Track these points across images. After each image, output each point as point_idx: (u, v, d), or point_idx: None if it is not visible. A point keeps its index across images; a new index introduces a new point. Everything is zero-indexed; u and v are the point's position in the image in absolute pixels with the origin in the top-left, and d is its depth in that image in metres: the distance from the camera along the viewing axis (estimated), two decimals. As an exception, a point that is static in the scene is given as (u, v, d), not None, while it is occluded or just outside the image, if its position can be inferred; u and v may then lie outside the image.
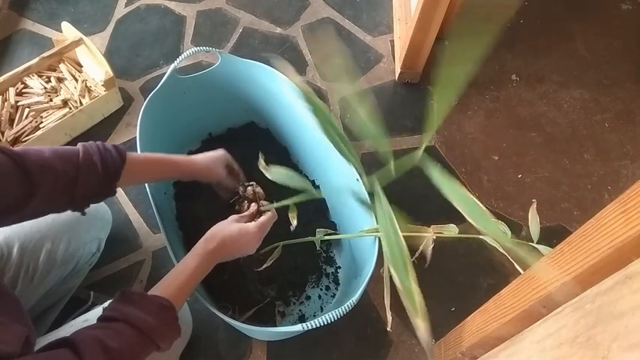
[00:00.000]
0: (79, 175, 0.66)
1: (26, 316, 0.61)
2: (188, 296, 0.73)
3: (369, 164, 1.35)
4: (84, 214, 0.72)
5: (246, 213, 0.84)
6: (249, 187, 0.91)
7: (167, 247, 0.86)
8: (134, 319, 0.62)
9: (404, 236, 0.84)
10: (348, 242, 1.12)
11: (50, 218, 0.84)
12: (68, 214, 0.72)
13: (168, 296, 0.67)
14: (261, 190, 0.91)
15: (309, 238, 0.92)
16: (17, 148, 0.63)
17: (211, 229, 0.78)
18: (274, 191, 0.90)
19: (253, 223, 0.81)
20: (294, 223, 0.86)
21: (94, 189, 0.69)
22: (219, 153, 0.91)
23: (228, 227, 0.78)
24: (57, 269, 0.88)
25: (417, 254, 0.82)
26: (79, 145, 0.69)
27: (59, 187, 0.65)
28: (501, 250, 0.84)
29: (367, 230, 0.91)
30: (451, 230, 0.86)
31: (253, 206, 0.87)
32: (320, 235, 0.92)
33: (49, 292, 0.91)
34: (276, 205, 0.87)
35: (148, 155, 0.81)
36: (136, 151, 0.94)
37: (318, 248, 1.06)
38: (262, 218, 0.82)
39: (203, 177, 0.88)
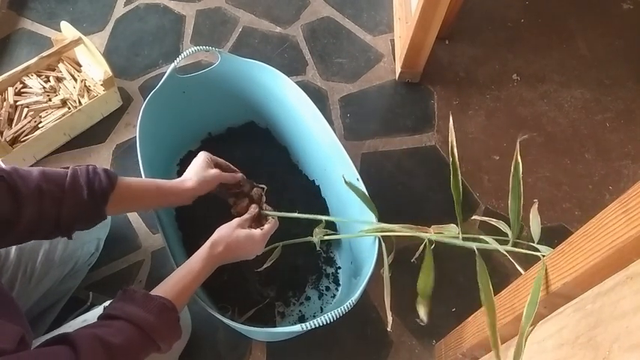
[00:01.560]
0: (65, 197, 0.65)
1: (22, 317, 0.60)
2: (189, 299, 0.73)
3: (368, 164, 1.35)
4: (70, 238, 0.70)
5: (247, 216, 0.83)
6: (256, 189, 0.90)
7: (166, 247, 0.86)
8: (135, 317, 0.61)
9: (403, 236, 0.84)
10: (348, 242, 1.12)
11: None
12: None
13: (170, 298, 0.67)
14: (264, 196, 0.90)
15: (309, 239, 0.91)
16: (6, 166, 0.63)
17: (217, 232, 0.78)
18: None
19: (259, 231, 0.81)
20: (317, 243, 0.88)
21: (80, 212, 0.68)
22: (200, 160, 0.84)
23: (235, 232, 0.78)
24: (55, 270, 0.87)
25: (417, 254, 0.82)
26: (70, 168, 0.68)
27: (45, 208, 0.64)
28: (502, 250, 0.83)
29: (367, 230, 0.90)
30: (451, 230, 0.86)
31: (254, 208, 0.86)
32: (319, 235, 0.92)
33: (48, 292, 0.91)
34: (280, 214, 0.87)
35: (141, 182, 0.77)
36: (136, 151, 0.94)
37: (317, 249, 1.05)
38: (267, 227, 0.83)
39: (200, 193, 0.82)
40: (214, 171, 0.83)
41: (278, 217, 0.88)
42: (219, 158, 0.89)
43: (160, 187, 0.78)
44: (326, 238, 0.92)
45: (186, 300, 0.72)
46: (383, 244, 0.86)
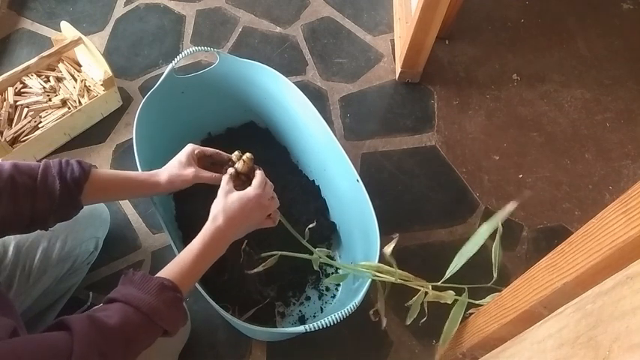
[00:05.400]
0: (38, 188, 0.66)
1: (15, 312, 0.61)
2: (196, 280, 0.72)
3: (369, 164, 1.35)
4: (45, 229, 0.71)
5: (226, 177, 0.78)
6: (239, 163, 0.82)
7: (171, 243, 0.86)
8: (132, 298, 0.61)
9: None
10: (348, 243, 1.12)
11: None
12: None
13: (171, 277, 0.67)
14: (249, 155, 0.83)
15: (308, 256, 0.91)
16: None
17: (212, 209, 0.75)
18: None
19: (249, 188, 0.77)
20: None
21: (55, 202, 0.67)
22: (180, 156, 0.83)
23: (226, 200, 0.74)
24: (53, 268, 0.87)
25: (410, 302, 0.82)
26: (42, 161, 0.68)
27: (19, 199, 0.64)
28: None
29: (364, 266, 0.90)
30: (448, 297, 0.87)
31: (229, 167, 0.80)
32: (319, 253, 0.92)
33: (48, 291, 0.91)
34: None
35: (114, 173, 0.78)
36: (133, 151, 0.94)
37: (316, 268, 1.03)
38: (257, 180, 0.78)
39: (174, 190, 0.82)
40: (190, 171, 0.81)
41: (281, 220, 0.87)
42: (207, 149, 0.86)
43: (133, 180, 0.79)
44: (324, 262, 0.92)
45: (192, 281, 0.71)
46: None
